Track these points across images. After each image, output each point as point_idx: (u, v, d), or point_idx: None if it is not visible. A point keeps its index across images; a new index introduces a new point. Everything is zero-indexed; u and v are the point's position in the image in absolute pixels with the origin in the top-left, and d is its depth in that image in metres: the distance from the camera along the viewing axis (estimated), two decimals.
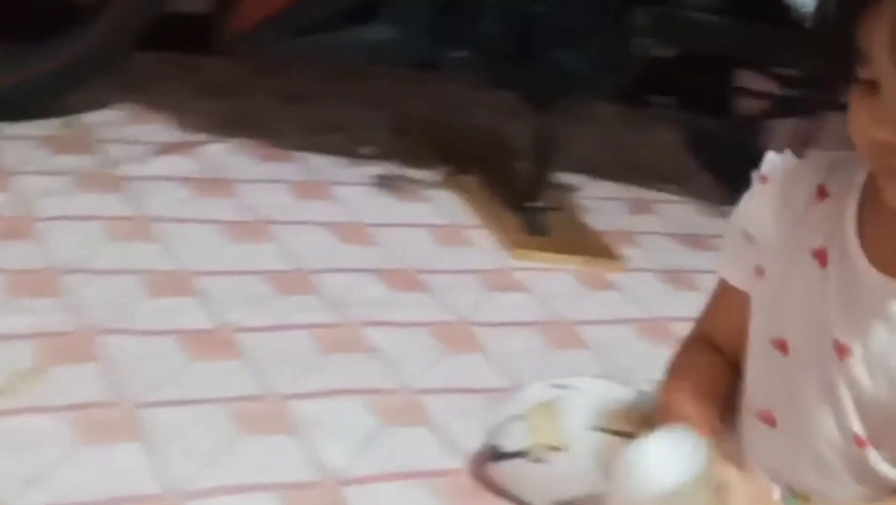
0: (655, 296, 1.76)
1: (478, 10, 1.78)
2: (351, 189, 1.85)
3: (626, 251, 1.87)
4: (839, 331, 0.91)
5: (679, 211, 2.10)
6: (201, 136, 1.91)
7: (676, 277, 1.83)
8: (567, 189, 2.02)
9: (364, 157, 1.99)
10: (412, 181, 1.93)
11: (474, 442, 1.23)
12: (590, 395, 1.16)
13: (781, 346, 0.94)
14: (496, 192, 1.92)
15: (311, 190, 1.83)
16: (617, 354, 1.55)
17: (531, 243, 1.79)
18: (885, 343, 0.89)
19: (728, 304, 1.03)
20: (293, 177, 1.85)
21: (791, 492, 0.96)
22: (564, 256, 1.79)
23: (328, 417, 1.27)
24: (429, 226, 1.80)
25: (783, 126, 2.11)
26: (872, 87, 0.81)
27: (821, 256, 0.93)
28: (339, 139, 2.03)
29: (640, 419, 1.12)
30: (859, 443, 0.92)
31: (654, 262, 1.88)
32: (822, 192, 0.95)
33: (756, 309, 0.97)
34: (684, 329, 1.53)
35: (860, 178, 0.93)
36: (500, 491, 1.18)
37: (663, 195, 2.15)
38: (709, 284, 1.76)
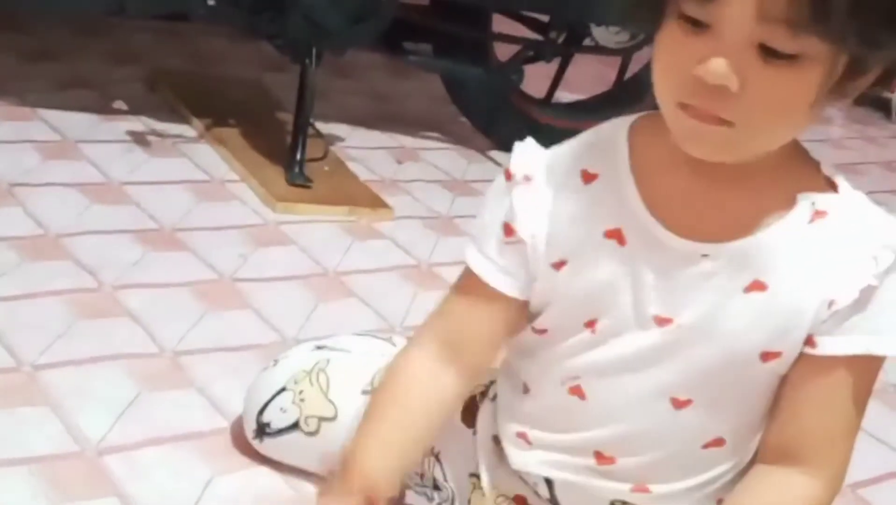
0: (422, 242, 1.77)
1: None
2: (102, 147, 1.77)
3: (392, 200, 1.87)
4: (655, 305, 0.90)
5: (442, 157, 2.12)
6: None
7: (442, 223, 1.85)
8: (330, 140, 2.00)
9: (115, 114, 1.90)
10: (167, 136, 1.86)
11: (241, 401, 1.20)
12: (354, 355, 1.14)
13: (590, 326, 0.93)
14: (257, 144, 1.88)
15: (58, 150, 1.74)
16: (385, 303, 1.55)
17: (295, 195, 1.77)
18: (706, 304, 0.89)
19: (487, 310, 0.97)
20: (38, 137, 1.76)
21: (601, 459, 0.96)
22: (329, 207, 1.77)
23: (85, 386, 1.21)
24: (186, 182, 1.74)
25: (534, 70, 2.16)
26: (698, 25, 0.78)
27: (616, 235, 0.91)
28: (88, 96, 1.93)
29: None
30: (678, 404, 0.92)
31: (420, 209, 1.89)
32: (587, 176, 0.92)
33: (558, 297, 0.94)
34: (450, 273, 1.55)
35: (623, 153, 0.91)
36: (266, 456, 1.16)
37: (426, 142, 2.16)
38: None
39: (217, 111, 1.95)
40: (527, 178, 0.94)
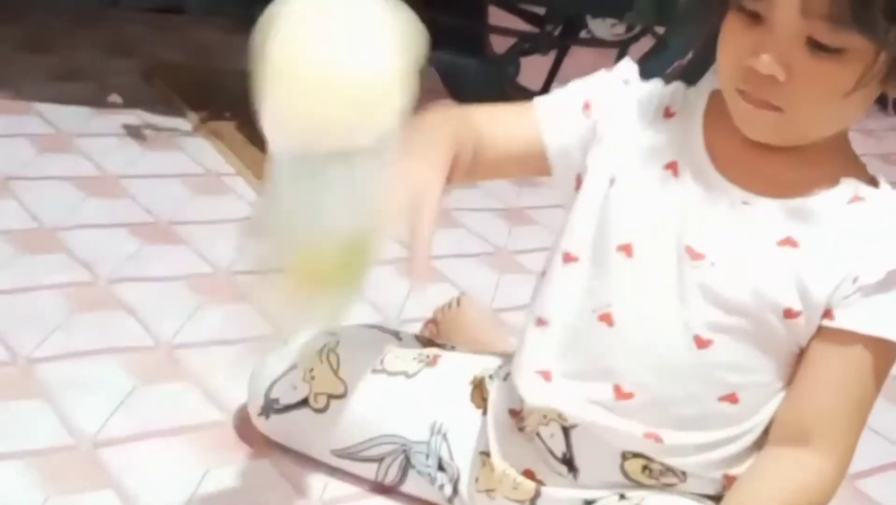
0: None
1: None
2: (97, 140, 1.77)
3: None
4: (692, 238, 0.95)
5: None
6: None
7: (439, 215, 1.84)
8: None
9: (111, 107, 1.90)
10: (163, 130, 1.86)
11: (237, 393, 1.20)
12: (364, 339, 1.15)
13: (626, 249, 0.97)
14: (253, 138, 1.87)
15: (53, 143, 1.73)
16: (382, 295, 1.54)
17: None
18: (738, 248, 0.94)
19: (517, 127, 1.03)
20: (33, 130, 1.75)
21: (620, 393, 0.98)
22: None
23: (81, 380, 1.21)
24: (182, 175, 1.74)
25: (531, 62, 2.16)
26: (755, 17, 0.87)
27: (673, 168, 0.97)
28: (84, 88, 1.93)
29: (415, 359, 1.13)
30: (701, 344, 0.95)
31: None
32: (668, 112, 1.00)
33: (602, 214, 0.99)
34: (447, 266, 1.55)
35: (701, 101, 0.99)
36: (266, 441, 1.16)
37: None
38: (469, 220, 1.82)
39: (213, 104, 1.95)
40: (626, 82, 1.03)
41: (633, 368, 0.97)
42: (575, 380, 1.00)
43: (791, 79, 0.86)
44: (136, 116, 1.88)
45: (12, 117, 1.77)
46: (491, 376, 1.11)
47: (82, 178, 1.65)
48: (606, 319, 0.98)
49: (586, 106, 1.02)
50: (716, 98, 0.99)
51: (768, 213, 0.94)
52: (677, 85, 1.02)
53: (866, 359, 0.93)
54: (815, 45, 0.85)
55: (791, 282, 0.93)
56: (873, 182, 0.96)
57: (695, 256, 0.95)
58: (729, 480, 1.00)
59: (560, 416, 1.01)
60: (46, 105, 1.83)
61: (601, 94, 1.02)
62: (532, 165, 1.05)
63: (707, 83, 1.02)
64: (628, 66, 1.05)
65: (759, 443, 0.99)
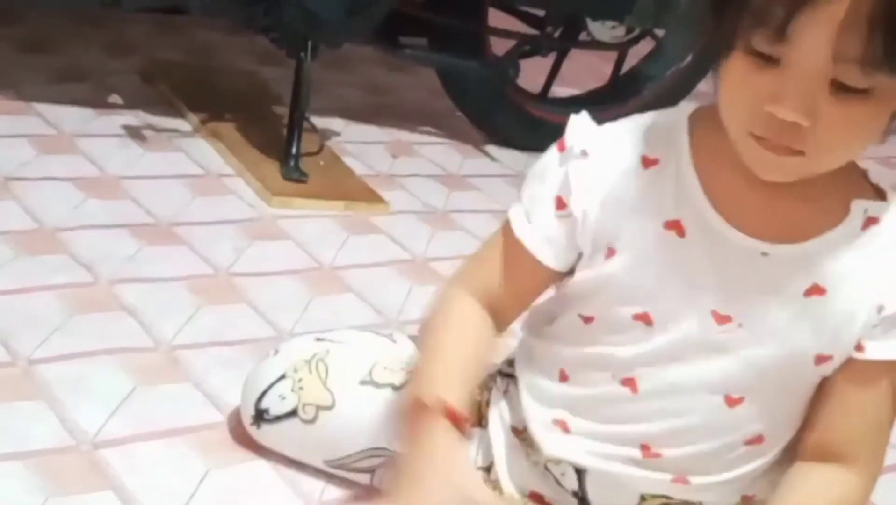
0: (418, 237, 1.77)
1: None
2: (97, 141, 1.77)
3: (388, 194, 1.87)
4: (715, 300, 0.91)
5: (438, 152, 2.12)
6: None
7: (438, 218, 1.85)
8: (326, 134, 2.00)
9: (111, 107, 1.90)
10: (164, 130, 1.86)
11: (237, 395, 1.19)
12: (353, 347, 1.14)
13: (645, 318, 0.93)
14: (253, 138, 1.88)
15: (53, 143, 1.73)
16: (381, 297, 1.55)
17: (290, 190, 1.77)
18: (767, 306, 0.90)
19: (520, 270, 0.98)
20: (34, 130, 1.75)
21: (647, 453, 0.96)
22: (325, 202, 1.77)
23: (81, 380, 1.21)
24: (182, 176, 1.74)
25: (530, 64, 2.16)
26: (767, 59, 0.80)
27: (676, 227, 0.91)
28: (84, 89, 1.93)
29: (406, 371, 1.11)
30: (731, 403, 0.93)
31: (416, 203, 1.89)
32: (647, 161, 0.92)
33: (609, 286, 0.94)
34: (446, 268, 1.55)
35: (682, 139, 0.92)
36: (263, 445, 1.16)
37: (422, 137, 2.16)
38: (469, 223, 1.82)
39: (213, 105, 1.95)
40: (584, 154, 0.94)
41: (660, 431, 0.96)
42: (596, 439, 0.98)
43: (815, 124, 0.80)
44: (136, 117, 1.88)
45: (12, 118, 1.77)
46: (479, 387, 1.08)
47: (82, 179, 1.65)
48: (630, 384, 0.95)
49: (560, 205, 0.94)
50: (698, 129, 0.92)
51: (789, 262, 0.90)
52: (641, 121, 0.95)
53: (893, 380, 0.93)
54: (840, 88, 0.79)
55: (821, 332, 0.90)
56: (879, 193, 0.93)
57: (721, 319, 0.91)
58: (744, 500, 1.00)
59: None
60: (47, 106, 1.83)
61: (568, 181, 0.94)
62: (547, 285, 1.01)
63: (679, 112, 0.94)
64: (578, 131, 0.95)
65: (778, 462, 0.99)
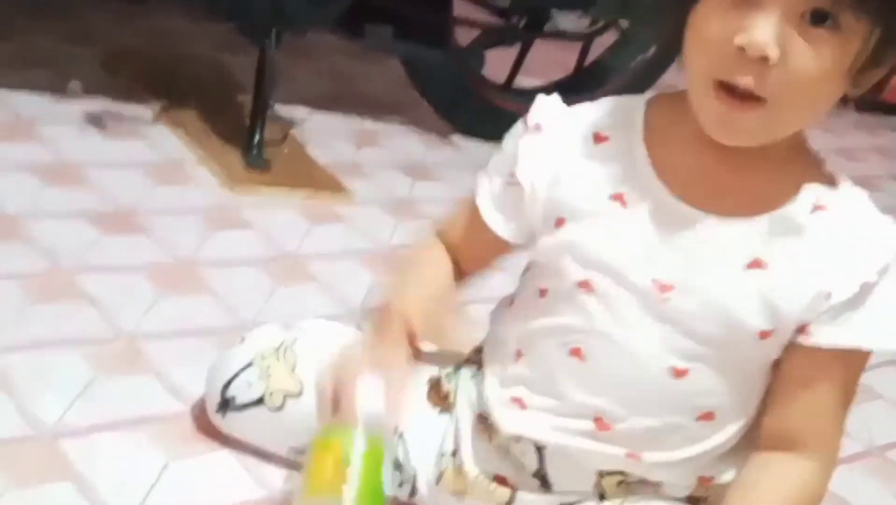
0: (382, 226, 1.76)
1: None
2: (57, 128, 1.75)
3: (352, 183, 1.86)
4: (657, 270, 0.92)
5: (403, 141, 2.11)
6: None
7: (402, 208, 1.84)
8: (289, 122, 1.99)
9: (71, 94, 1.87)
10: (125, 118, 1.84)
11: (198, 385, 1.19)
12: (322, 336, 1.14)
13: (585, 286, 0.94)
14: (216, 126, 1.86)
15: (12, 130, 1.71)
16: (344, 286, 1.54)
17: (253, 178, 1.75)
18: (707, 275, 0.91)
19: (479, 237, 1.03)
20: None
21: (601, 425, 0.97)
22: (288, 190, 1.76)
23: (40, 371, 1.20)
24: (143, 164, 1.72)
25: (495, 55, 2.16)
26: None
27: (620, 199, 0.93)
28: (44, 75, 1.90)
29: None
30: (678, 374, 0.94)
31: (380, 193, 1.88)
32: (598, 138, 0.96)
33: (557, 255, 0.96)
34: None
35: (636, 117, 0.95)
36: (228, 434, 1.16)
37: (387, 126, 2.15)
38: (433, 212, 1.81)
39: (175, 93, 1.93)
40: (537, 127, 0.98)
41: (610, 402, 0.96)
42: (551, 413, 0.99)
43: (783, 60, 0.81)
44: (97, 104, 1.86)
45: None
46: (448, 375, 1.10)
47: (42, 166, 1.63)
48: (577, 354, 0.97)
49: (512, 176, 0.98)
50: (654, 111, 0.95)
51: (733, 235, 0.91)
52: (602, 104, 0.98)
53: (845, 367, 0.94)
54: (810, 21, 0.81)
55: (761, 305, 0.91)
56: (831, 181, 0.94)
57: (663, 288, 0.92)
58: (700, 481, 1.01)
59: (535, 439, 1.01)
60: (5, 92, 1.81)
61: (520, 155, 0.98)
62: (499, 252, 1.06)
63: (640, 98, 0.97)
64: (541, 107, 0.99)
65: (735, 446, 0.99)
